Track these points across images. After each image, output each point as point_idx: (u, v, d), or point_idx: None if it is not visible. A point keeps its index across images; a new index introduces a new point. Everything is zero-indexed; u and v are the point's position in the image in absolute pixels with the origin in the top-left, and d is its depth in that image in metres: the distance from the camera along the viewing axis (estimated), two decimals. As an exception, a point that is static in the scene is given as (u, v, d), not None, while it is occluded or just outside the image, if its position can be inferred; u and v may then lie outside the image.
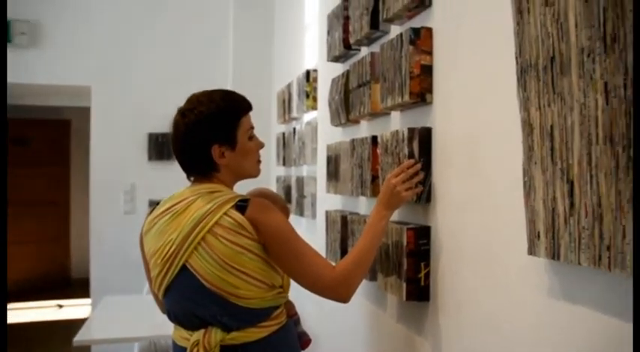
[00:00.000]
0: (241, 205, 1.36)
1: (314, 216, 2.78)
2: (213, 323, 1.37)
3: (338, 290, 1.41)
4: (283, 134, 3.66)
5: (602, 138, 0.81)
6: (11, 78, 3.65)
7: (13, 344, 4.85)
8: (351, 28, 2.00)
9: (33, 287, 6.66)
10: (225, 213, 1.34)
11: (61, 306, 6.38)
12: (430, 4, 1.51)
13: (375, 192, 1.74)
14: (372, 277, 1.77)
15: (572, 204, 0.89)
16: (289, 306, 1.60)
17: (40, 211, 7.00)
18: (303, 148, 3.04)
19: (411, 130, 1.50)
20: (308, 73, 2.97)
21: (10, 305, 5.65)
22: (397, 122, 1.72)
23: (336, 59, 2.25)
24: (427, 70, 1.49)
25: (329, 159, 2.24)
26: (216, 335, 1.35)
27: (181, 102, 1.47)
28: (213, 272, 1.33)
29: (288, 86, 3.47)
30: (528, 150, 0.99)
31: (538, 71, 0.95)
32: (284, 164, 3.63)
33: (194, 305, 1.37)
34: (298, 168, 3.30)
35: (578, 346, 0.94)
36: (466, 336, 1.32)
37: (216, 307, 1.35)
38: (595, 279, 0.89)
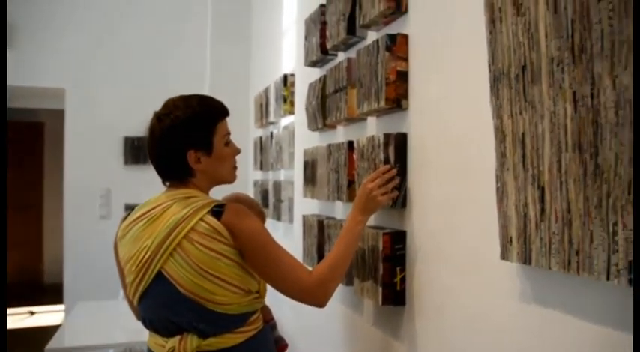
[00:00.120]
0: (217, 211, 1.36)
1: (291, 220, 2.78)
2: (189, 329, 1.36)
3: (314, 295, 1.41)
4: (260, 138, 3.65)
5: (571, 146, 0.84)
6: (-18, 80, 3.58)
7: (-18, 352, 4.73)
8: (328, 34, 2.02)
9: (4, 293, 6.51)
10: (200, 219, 1.34)
11: (32, 313, 6.25)
12: (406, 11, 1.53)
13: (351, 197, 1.75)
14: (349, 282, 1.77)
15: (542, 210, 0.91)
16: (265, 311, 1.60)
17: (12, 214, 6.86)
18: (281, 153, 3.05)
19: (387, 136, 1.52)
20: (285, 77, 2.98)
21: (-20, 312, 5.50)
22: (373, 127, 1.74)
23: (314, 64, 2.26)
24: (403, 77, 1.50)
25: (306, 164, 2.24)
26: (192, 342, 1.34)
27: (158, 105, 1.47)
28: (189, 278, 1.32)
29: (266, 90, 3.47)
30: (501, 156, 1.01)
31: (510, 79, 0.97)
32: (261, 168, 3.63)
33: (170, 312, 1.36)
34: (275, 173, 3.30)
35: (549, 349, 0.96)
36: (441, 340, 1.34)
37: (192, 313, 1.34)
38: (564, 283, 0.91)
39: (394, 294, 1.49)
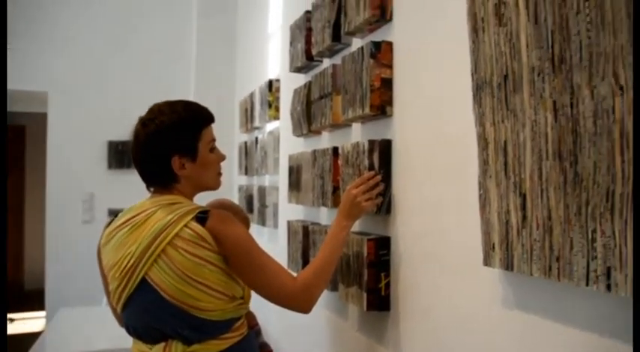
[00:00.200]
0: (201, 217, 1.35)
1: (276, 225, 2.78)
2: (173, 336, 1.35)
3: (299, 301, 1.41)
4: (245, 143, 3.65)
5: (551, 154, 0.85)
6: (-37, 83, 3.53)
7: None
8: (313, 40, 2.03)
9: (-17, 300, 6.41)
10: (185, 225, 1.34)
11: (12, 320, 6.15)
12: (391, 18, 1.54)
13: (336, 203, 1.76)
14: (334, 288, 1.78)
15: (524, 217, 0.92)
16: (250, 317, 1.60)
17: (-8, 220, 6.76)
18: (265, 158, 3.05)
19: (371, 142, 1.53)
20: (270, 82, 2.98)
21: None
22: (358, 134, 1.75)
23: (299, 70, 2.27)
24: (387, 83, 1.52)
25: (291, 170, 2.25)
26: (176, 349, 1.34)
27: (142, 110, 1.46)
28: (174, 285, 1.32)
29: (251, 95, 3.47)
30: (483, 164, 1.03)
31: (492, 88, 0.99)
32: (246, 173, 3.62)
33: (154, 319, 1.35)
34: (260, 178, 3.30)
35: (531, 354, 0.97)
36: (426, 345, 1.34)
37: (176, 320, 1.34)
38: (546, 289, 0.93)
39: (379, 300, 1.50)
